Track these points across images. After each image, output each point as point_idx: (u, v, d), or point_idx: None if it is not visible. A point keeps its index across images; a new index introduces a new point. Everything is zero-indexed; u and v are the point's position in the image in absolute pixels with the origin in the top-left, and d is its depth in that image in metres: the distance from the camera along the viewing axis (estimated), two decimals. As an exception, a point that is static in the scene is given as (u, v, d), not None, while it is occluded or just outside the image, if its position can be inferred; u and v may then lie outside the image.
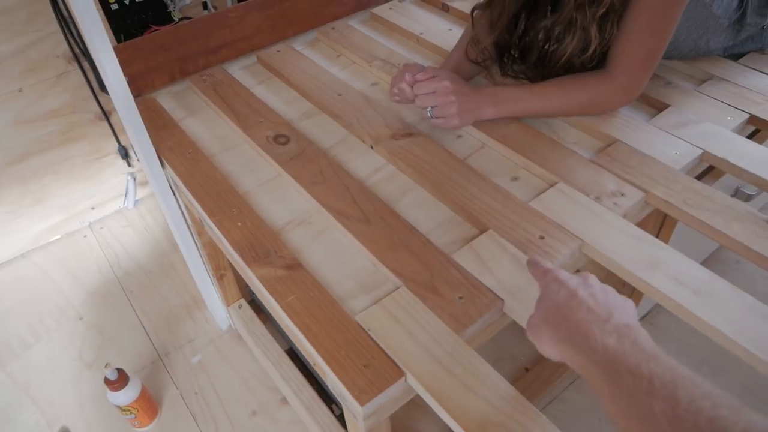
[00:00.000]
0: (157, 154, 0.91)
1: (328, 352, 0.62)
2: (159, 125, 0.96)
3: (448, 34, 1.16)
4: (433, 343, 0.61)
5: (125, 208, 1.56)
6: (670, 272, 0.67)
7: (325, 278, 0.70)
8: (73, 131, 1.39)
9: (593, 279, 0.52)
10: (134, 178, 1.54)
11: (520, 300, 0.65)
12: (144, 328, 1.26)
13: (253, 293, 1.26)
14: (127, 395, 1.01)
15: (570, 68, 0.89)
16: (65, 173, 1.43)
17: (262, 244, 0.74)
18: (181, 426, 1.09)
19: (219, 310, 1.19)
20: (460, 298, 0.66)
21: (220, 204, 0.81)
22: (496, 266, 0.69)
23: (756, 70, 1.01)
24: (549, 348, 0.50)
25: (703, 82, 0.99)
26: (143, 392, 1.03)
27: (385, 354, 0.61)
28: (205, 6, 1.38)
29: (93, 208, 1.52)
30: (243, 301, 1.19)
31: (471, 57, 0.96)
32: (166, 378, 1.16)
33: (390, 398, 0.60)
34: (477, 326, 0.64)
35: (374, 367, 0.60)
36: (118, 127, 1.45)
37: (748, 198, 1.07)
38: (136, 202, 1.57)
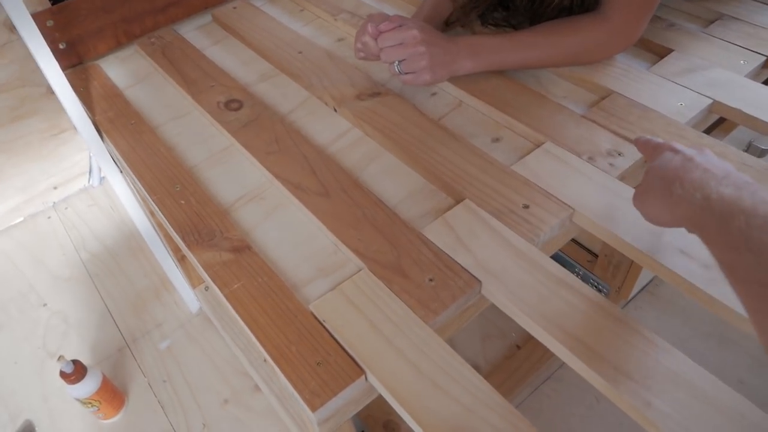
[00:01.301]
0: (96, 126, 0.81)
1: (277, 349, 0.53)
2: (100, 95, 0.87)
3: (423, -19, 1.04)
4: (399, 335, 0.52)
5: (90, 186, 1.47)
6: (676, 243, 0.58)
7: (278, 262, 0.61)
8: (24, 107, 1.28)
9: (709, 151, 0.49)
10: (98, 154, 1.44)
11: (501, 281, 0.56)
12: (110, 313, 1.18)
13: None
14: (86, 388, 0.93)
15: (565, 10, 0.79)
16: (20, 152, 1.33)
17: (207, 224, 0.65)
18: (148, 416, 1.01)
19: (188, 292, 1.11)
20: (431, 280, 0.56)
21: (162, 180, 0.71)
22: (473, 242, 0.59)
23: (769, 7, 0.90)
24: (658, 210, 0.49)
25: (711, 22, 0.88)
26: (104, 383, 0.96)
27: (343, 349, 0.52)
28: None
29: (55, 188, 1.43)
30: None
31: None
32: (134, 366, 1.09)
33: (348, 400, 0.51)
34: (449, 313, 0.55)
35: (329, 365, 0.51)
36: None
37: (762, 153, 0.97)
38: (101, 179, 1.47)
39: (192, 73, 0.87)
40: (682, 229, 0.57)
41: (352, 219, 0.63)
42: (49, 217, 1.41)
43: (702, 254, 0.56)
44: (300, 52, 0.89)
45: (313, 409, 0.49)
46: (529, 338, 1.06)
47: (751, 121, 0.72)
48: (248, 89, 0.84)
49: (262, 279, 0.59)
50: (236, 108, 0.80)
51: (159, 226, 0.95)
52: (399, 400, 0.48)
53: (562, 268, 0.57)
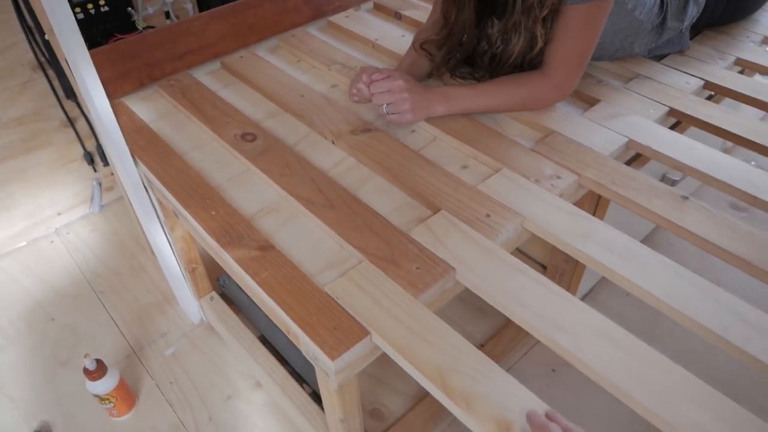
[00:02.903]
0: (130, 152, 0.96)
1: (301, 319, 0.69)
2: (130, 128, 1.02)
3: (401, 40, 1.25)
4: (394, 307, 0.69)
5: (91, 213, 1.59)
6: (600, 241, 0.77)
7: (296, 257, 0.77)
8: (37, 138, 1.42)
9: None
10: (100, 184, 1.58)
11: (471, 268, 0.73)
12: (117, 325, 1.30)
13: (224, 285, 1.32)
14: (105, 384, 1.05)
15: (518, 67, 0.99)
16: (31, 180, 1.46)
17: (235, 229, 0.81)
18: (158, 413, 1.13)
19: (191, 304, 1.24)
20: (417, 268, 0.74)
21: (194, 196, 0.87)
22: (449, 240, 0.77)
23: (676, 69, 1.13)
24: None
25: (630, 80, 1.11)
26: (121, 382, 1.08)
27: (352, 318, 0.69)
28: (167, 15, 1.44)
29: (59, 214, 1.55)
30: (214, 293, 1.25)
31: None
32: (141, 370, 1.21)
33: (358, 355, 0.68)
34: (433, 291, 0.72)
35: (343, 329, 0.67)
36: (83, 133, 1.49)
37: (673, 183, 1.19)
38: (102, 207, 1.60)
39: (210, 110, 1.04)
40: (606, 231, 0.77)
41: (353, 225, 0.80)
42: (52, 242, 1.52)
43: (619, 249, 0.75)
44: (301, 96, 1.07)
45: (333, 359, 0.65)
46: (491, 337, 1.24)
47: (658, 156, 0.93)
48: (259, 125, 1.01)
49: (285, 269, 0.75)
50: (251, 140, 0.97)
51: (179, 241, 1.10)
52: (398, 351, 0.65)
53: (517, 259, 0.75)
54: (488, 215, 0.81)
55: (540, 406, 0.60)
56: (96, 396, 1.07)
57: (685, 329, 1.27)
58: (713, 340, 0.68)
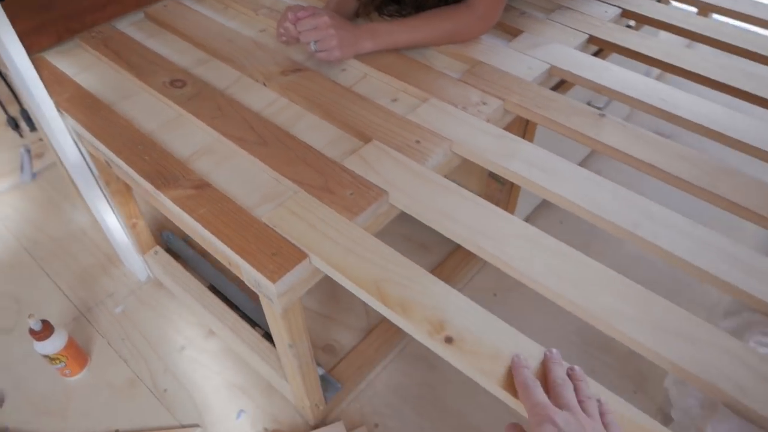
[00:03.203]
0: (55, 105, 0.94)
1: (241, 248, 0.71)
2: (52, 81, 0.99)
3: (327, -18, 1.25)
4: (332, 230, 0.72)
5: (23, 182, 1.55)
6: (524, 158, 0.82)
7: (232, 193, 0.79)
8: (-44, 106, 1.37)
9: (584, 419, 0.52)
10: (29, 151, 1.53)
11: (402, 191, 0.77)
12: (61, 289, 1.28)
13: (168, 240, 1.32)
14: (54, 344, 1.05)
15: (443, 1, 1.02)
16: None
17: (170, 171, 0.82)
18: (112, 369, 1.14)
19: (136, 261, 1.24)
20: (351, 194, 0.77)
21: (126, 143, 0.87)
22: (380, 166, 0.80)
23: (594, -1, 1.18)
24: None
25: (552, 11, 1.15)
26: (70, 340, 1.08)
27: (290, 243, 0.71)
28: (85, -30, 1.38)
29: (-12, 185, 1.50)
30: (158, 248, 1.25)
31: None
32: (91, 330, 1.20)
33: (298, 278, 0.70)
34: (367, 213, 0.75)
35: (282, 254, 0.70)
36: (5, 98, 1.43)
37: (599, 108, 1.24)
38: (33, 175, 1.55)
39: (136, 60, 1.02)
40: (530, 149, 0.81)
41: (287, 159, 0.82)
42: (-17, 213, 1.48)
43: (542, 164, 0.80)
44: (230, 41, 1.06)
45: (274, 282, 0.67)
46: (434, 269, 1.29)
47: (577, 79, 0.98)
48: (188, 71, 1.00)
49: (222, 204, 0.77)
50: (180, 86, 0.96)
51: (116, 195, 1.09)
52: (335, 268, 0.68)
53: (447, 180, 0.79)
54: (418, 141, 0.84)
55: (462, 302, 0.64)
56: (46, 357, 1.07)
57: (614, 251, 1.35)
58: (626, 236, 0.73)
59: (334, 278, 0.69)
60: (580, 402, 0.54)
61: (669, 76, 1.07)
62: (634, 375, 1.17)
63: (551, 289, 0.66)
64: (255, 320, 1.14)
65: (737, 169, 0.80)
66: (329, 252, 0.69)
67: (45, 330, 1.04)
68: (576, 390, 0.55)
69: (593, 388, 0.57)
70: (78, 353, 1.11)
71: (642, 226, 0.73)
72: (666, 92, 0.93)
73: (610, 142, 0.84)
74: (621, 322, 0.63)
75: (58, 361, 1.08)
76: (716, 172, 0.80)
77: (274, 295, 0.69)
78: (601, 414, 0.53)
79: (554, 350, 0.59)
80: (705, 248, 0.70)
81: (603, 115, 0.89)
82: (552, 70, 1.00)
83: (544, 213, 1.42)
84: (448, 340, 0.61)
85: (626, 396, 0.54)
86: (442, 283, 0.66)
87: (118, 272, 1.31)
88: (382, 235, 0.73)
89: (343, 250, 0.69)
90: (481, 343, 0.60)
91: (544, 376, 0.57)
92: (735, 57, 1.07)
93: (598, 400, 0.55)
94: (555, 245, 0.70)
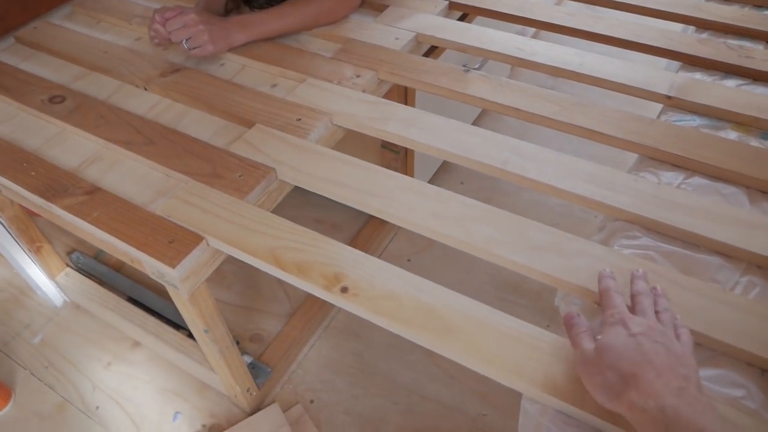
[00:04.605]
0: (-69, 138, 0.93)
1: (138, 242, 0.73)
2: (-76, 114, 0.97)
3: (198, -16, 1.27)
4: (224, 211, 0.75)
5: None
6: (400, 119, 0.88)
7: (125, 194, 0.81)
8: None
9: (658, 325, 0.53)
10: None
11: (289, 165, 0.81)
12: (-27, 329, 1.25)
13: (78, 260, 1.31)
14: (-29, 381, 1.03)
15: None
16: None
17: (59, 182, 0.83)
18: (39, 398, 1.13)
19: (48, 287, 1.22)
20: (240, 176, 0.80)
21: (9, 163, 0.86)
22: (266, 147, 0.84)
23: (451, -32, 1.26)
24: (605, 398, 0.50)
25: (414, -16, 1.22)
26: (-11, 376, 1.06)
27: (186, 229, 0.74)
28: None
29: None
30: (69, 270, 1.24)
31: None
32: (11, 364, 1.18)
33: (198, 261, 0.73)
34: (257, 191, 0.79)
35: (179, 240, 0.73)
36: None
37: (474, 69, 1.33)
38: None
39: (10, 83, 1.01)
40: (404, 111, 0.86)
41: (174, 154, 0.85)
42: None
43: (416, 123, 0.86)
44: (105, 52, 1.07)
45: (173, 266, 0.70)
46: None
47: (442, 42, 1.05)
48: (66, 87, 1.00)
49: (115, 205, 0.78)
50: (60, 101, 0.97)
51: (13, 220, 1.08)
52: (232, 245, 0.71)
53: (331, 150, 0.83)
54: (299, 119, 0.89)
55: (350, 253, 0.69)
56: (-35, 396, 1.05)
57: (512, 204, 1.45)
58: (498, 174, 0.81)
59: (232, 254, 0.73)
60: (657, 313, 0.56)
61: (543, 33, 1.16)
62: (546, 310, 1.26)
63: (434, 230, 0.72)
64: (178, 322, 1.15)
65: (593, 101, 0.89)
66: (224, 231, 0.73)
67: (-40, 369, 1.02)
68: (655, 303, 0.58)
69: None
70: (1, 388, 1.09)
71: (510, 162, 0.80)
72: (523, 43, 1.02)
73: (476, 92, 0.92)
74: (499, 248, 0.69)
75: (-21, 399, 1.06)
76: (572, 106, 0.89)
77: (177, 281, 0.72)
78: (675, 327, 0.55)
79: (641, 270, 0.63)
80: (568, 173, 0.78)
81: (467, 71, 0.96)
82: (419, 37, 1.07)
83: (444, 177, 1.50)
84: (344, 290, 0.66)
85: (541, 328, 0.61)
86: (333, 241, 0.71)
87: (32, 302, 1.29)
88: (293, 220, 0.75)
89: (238, 228, 0.73)
90: (374, 287, 0.66)
91: (629, 293, 0.60)
92: (586, 4, 1.17)
93: (675, 316, 0.57)
94: (435, 192, 0.76)
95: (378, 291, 0.65)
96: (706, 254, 0.69)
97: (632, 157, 0.86)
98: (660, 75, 0.94)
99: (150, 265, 0.74)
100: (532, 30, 1.62)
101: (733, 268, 0.68)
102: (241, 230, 0.73)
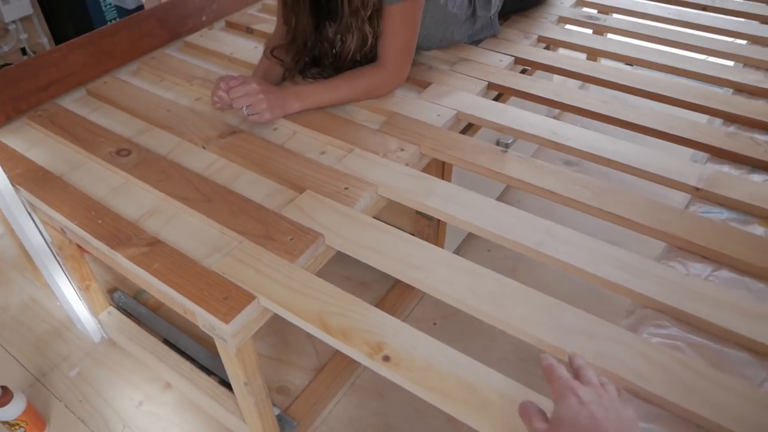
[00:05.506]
0: (9, 180, 1.01)
1: (194, 296, 0.79)
2: (3, 158, 1.06)
3: (254, 51, 1.37)
4: (275, 273, 0.81)
5: (-32, 257, 1.56)
6: (441, 195, 0.94)
7: (183, 248, 0.87)
8: None
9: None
10: (-27, 227, 1.55)
11: (335, 232, 0.87)
12: (14, 357, 1.30)
13: (120, 300, 1.37)
14: (13, 409, 1.07)
15: (358, 62, 1.15)
16: None
17: (123, 232, 0.89)
18: (70, 431, 1.17)
19: (89, 324, 1.28)
20: (291, 239, 0.86)
21: (78, 210, 0.94)
22: (315, 213, 0.90)
23: (491, 50, 1.34)
24: None
25: (455, 63, 1.30)
26: (29, 406, 1.10)
27: (239, 287, 0.80)
28: (24, 52, 1.46)
29: (-68, 263, 1.51)
30: (111, 308, 1.30)
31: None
32: (48, 395, 1.23)
33: (249, 318, 0.79)
34: (306, 255, 0.84)
35: (232, 298, 0.78)
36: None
37: (507, 146, 1.40)
38: (-22, 250, 1.58)
39: (81, 133, 1.10)
40: (446, 187, 0.93)
41: (230, 212, 0.91)
42: (-72, 293, 1.48)
43: (456, 199, 0.92)
44: (168, 110, 1.16)
45: (227, 323, 0.75)
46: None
47: (480, 121, 1.12)
48: (131, 140, 1.09)
49: (174, 258, 0.85)
50: (126, 154, 1.05)
51: (69, 259, 1.14)
52: (282, 306, 0.77)
53: (375, 219, 0.89)
54: (346, 188, 0.95)
55: (395, 325, 0.74)
56: (5, 423, 1.09)
57: (540, 272, 1.49)
58: (531, 254, 0.86)
59: (282, 315, 0.78)
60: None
61: (568, 115, 1.23)
62: (566, 382, 1.28)
63: (472, 306, 0.76)
64: (210, 368, 1.20)
65: (624, 188, 0.94)
66: (275, 292, 0.78)
67: (4, 396, 1.07)
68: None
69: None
70: (36, 418, 1.14)
71: (545, 244, 0.85)
72: (557, 127, 1.08)
73: (513, 173, 0.98)
74: (533, 328, 0.74)
75: (17, 427, 1.10)
76: (604, 192, 0.94)
77: (228, 336, 0.77)
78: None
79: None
80: (600, 258, 0.83)
81: (505, 151, 1.02)
82: (459, 115, 1.14)
83: (472, 243, 1.55)
84: (386, 359, 0.70)
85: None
86: (377, 310, 0.76)
87: (71, 335, 1.34)
88: (325, 276, 0.81)
89: (287, 290, 0.78)
90: (414, 358, 0.70)
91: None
92: (618, 93, 1.25)
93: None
94: (473, 268, 0.81)
95: (418, 362, 0.70)
96: (735, 349, 0.72)
97: (655, 242, 0.90)
98: (689, 166, 0.99)
99: (203, 319, 0.79)
100: (557, 111, 1.70)
101: (760, 364, 0.71)
102: (290, 292, 0.78)
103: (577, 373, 0.61)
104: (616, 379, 0.68)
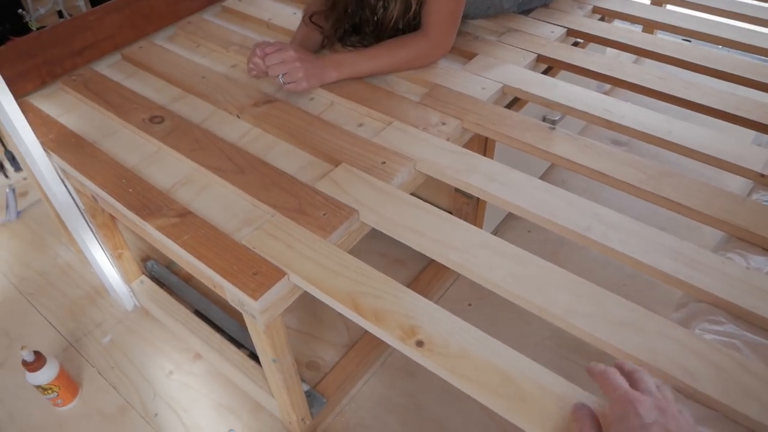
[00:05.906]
0: (42, 146, 1.00)
1: (224, 270, 0.76)
2: (38, 123, 1.04)
3: (293, 17, 1.32)
4: (307, 249, 0.78)
5: (8, 220, 1.58)
6: (483, 172, 0.89)
7: (213, 220, 0.84)
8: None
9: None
10: (13, 190, 1.57)
11: (371, 209, 0.83)
12: (50, 322, 1.32)
13: (152, 269, 1.37)
14: (46, 374, 1.08)
15: (400, 30, 1.09)
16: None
17: (153, 202, 0.87)
18: (103, 397, 1.18)
19: (122, 291, 1.28)
20: (324, 214, 0.83)
21: (109, 178, 0.92)
22: (350, 188, 0.87)
23: (542, 20, 1.27)
24: None
25: (503, 34, 1.23)
26: (62, 370, 1.11)
27: (270, 263, 0.77)
28: (60, 15, 1.44)
29: (-27, 226, 1.54)
30: (144, 277, 1.29)
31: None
32: (81, 360, 1.24)
33: (278, 295, 0.76)
34: (340, 231, 0.81)
35: (262, 274, 0.76)
36: (-12, 140, 1.47)
37: (553, 123, 1.33)
38: (18, 213, 1.59)
39: (115, 99, 1.08)
40: (489, 164, 0.88)
41: (262, 185, 0.88)
42: (-31, 254, 1.51)
43: (500, 177, 0.87)
44: (203, 77, 1.13)
45: (256, 299, 0.73)
46: (409, 284, 1.35)
47: (528, 96, 1.06)
48: (165, 108, 1.06)
49: (204, 230, 0.82)
50: (159, 122, 1.02)
51: (102, 227, 1.14)
52: (312, 284, 0.73)
53: (412, 196, 0.85)
54: (384, 162, 0.91)
55: (435, 311, 0.70)
56: (38, 387, 1.10)
57: (582, 257, 1.43)
58: (579, 240, 0.80)
59: (312, 293, 0.75)
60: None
61: (620, 90, 1.15)
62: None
63: (513, 293, 0.72)
64: (240, 341, 1.19)
65: (681, 172, 0.87)
66: (306, 269, 0.75)
67: (38, 361, 1.08)
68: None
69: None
70: (69, 383, 1.15)
71: (593, 229, 0.80)
72: (610, 104, 1.01)
73: (561, 152, 0.92)
74: (577, 319, 0.69)
75: (50, 391, 1.11)
76: (660, 175, 0.88)
77: (257, 312, 0.75)
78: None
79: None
80: (652, 246, 0.77)
81: (553, 129, 0.96)
82: (505, 88, 1.08)
83: (512, 224, 1.50)
84: (419, 344, 0.67)
85: (600, 394, 0.60)
86: (411, 292, 0.72)
87: (105, 303, 1.35)
88: (358, 252, 0.78)
89: (319, 267, 0.75)
90: (449, 344, 0.66)
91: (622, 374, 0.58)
92: (676, 69, 1.16)
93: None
94: (515, 252, 0.77)
95: (452, 349, 0.66)
96: (796, 350, 0.67)
97: (707, 230, 0.84)
98: (752, 150, 0.92)
99: (232, 294, 0.77)
100: (607, 86, 1.61)
101: (823, 368, 0.65)
102: (322, 270, 0.75)
103: (631, 378, 0.57)
104: (664, 377, 0.63)
